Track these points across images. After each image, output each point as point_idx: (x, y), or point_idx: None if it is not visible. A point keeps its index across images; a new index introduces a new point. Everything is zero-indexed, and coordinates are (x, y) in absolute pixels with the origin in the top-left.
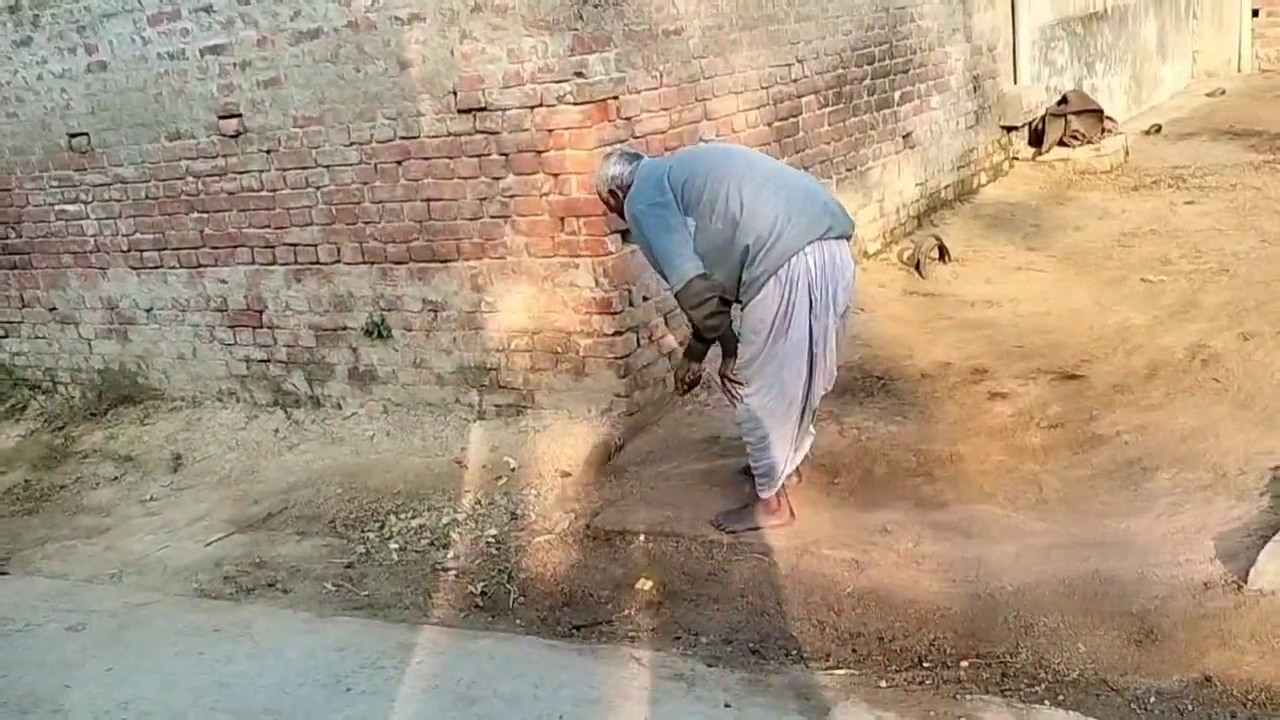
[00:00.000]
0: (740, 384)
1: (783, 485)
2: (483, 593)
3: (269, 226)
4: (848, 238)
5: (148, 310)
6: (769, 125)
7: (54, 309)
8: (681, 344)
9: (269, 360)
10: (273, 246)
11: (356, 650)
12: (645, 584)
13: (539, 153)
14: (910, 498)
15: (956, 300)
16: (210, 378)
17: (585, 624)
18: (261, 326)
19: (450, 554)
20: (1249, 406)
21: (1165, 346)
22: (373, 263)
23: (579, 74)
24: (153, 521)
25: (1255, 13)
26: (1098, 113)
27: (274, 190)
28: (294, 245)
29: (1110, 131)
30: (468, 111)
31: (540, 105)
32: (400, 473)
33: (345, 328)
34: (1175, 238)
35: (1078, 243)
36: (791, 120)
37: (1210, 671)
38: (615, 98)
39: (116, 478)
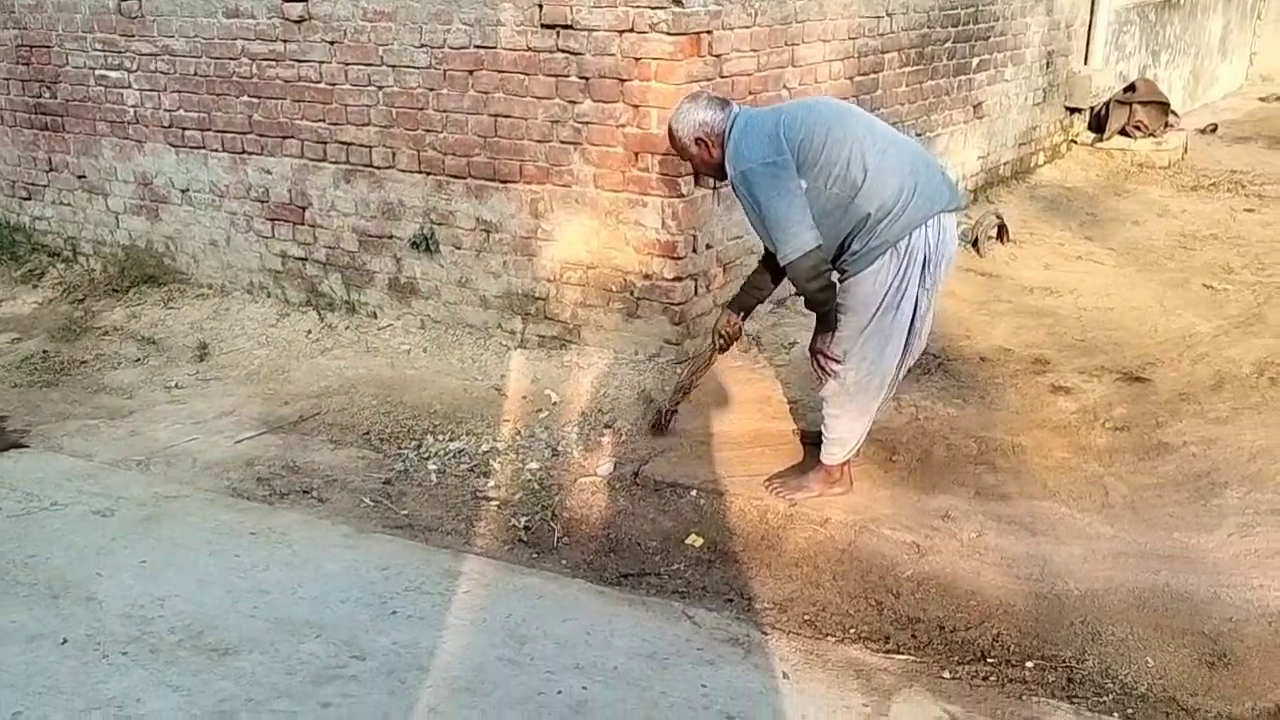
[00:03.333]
0: (836, 360)
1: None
2: (526, 527)
3: (323, 121)
4: (958, 210)
5: (183, 191)
6: (850, 79)
7: (83, 177)
8: (722, 322)
9: (306, 259)
10: (325, 143)
11: (399, 572)
12: (696, 540)
13: (622, 81)
14: (971, 485)
15: (1015, 284)
16: (242, 269)
17: (633, 573)
18: (303, 224)
19: (491, 483)
20: None
21: (1231, 358)
22: (429, 173)
23: (676, 2)
24: (179, 410)
25: None
26: (1163, 105)
27: (333, 84)
28: (347, 144)
29: (1172, 126)
30: (551, 27)
31: (631, 30)
32: (437, 391)
33: (391, 236)
34: (1237, 245)
35: (1137, 239)
36: (872, 76)
37: None
38: (709, 32)
39: (139, 359)
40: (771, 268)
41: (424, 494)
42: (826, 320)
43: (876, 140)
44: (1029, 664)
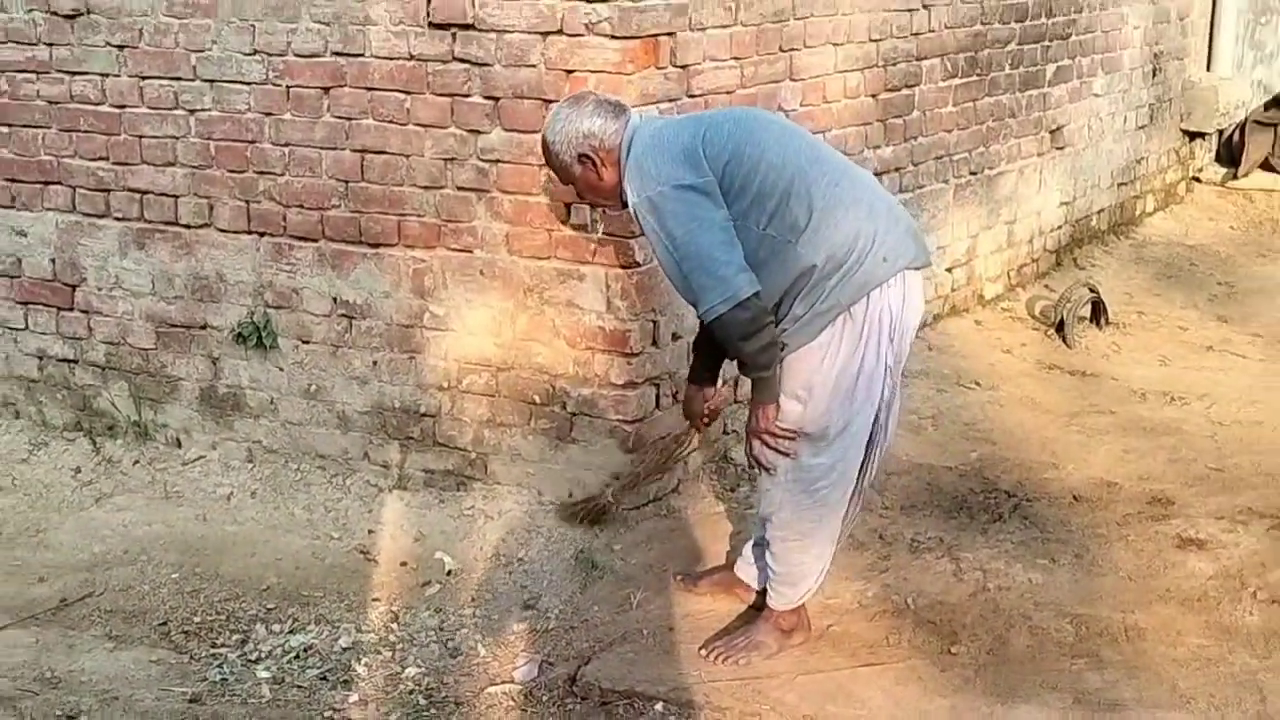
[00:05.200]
0: (789, 437)
1: None
2: None
3: (105, 159)
4: (926, 266)
5: None
6: (874, 96)
7: None
8: (690, 401)
9: (77, 360)
10: (107, 190)
11: None
12: None
13: (547, 102)
14: (1068, 689)
15: (1120, 387)
16: None
17: None
18: (72, 309)
19: (354, 697)
20: None
21: None
22: (263, 234)
23: None
24: None
25: None
26: None
27: (121, 106)
28: (141, 193)
29: None
30: (444, 27)
31: (559, 32)
32: (271, 557)
33: (206, 326)
34: None
35: None
36: (905, 92)
37: None
38: (671, 34)
39: None
40: None
41: (251, 716)
42: (767, 389)
43: (825, 170)
44: None
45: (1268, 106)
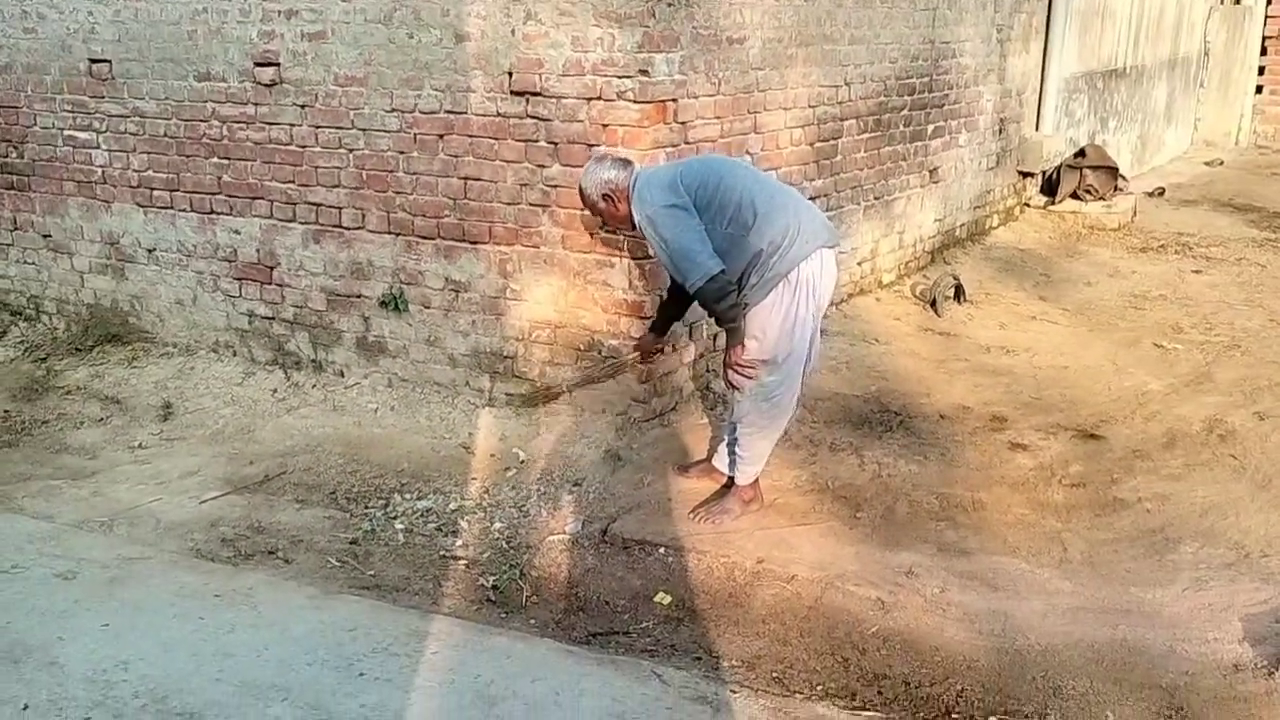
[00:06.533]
0: (751, 367)
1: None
2: (494, 587)
3: (293, 182)
4: (836, 246)
5: (150, 250)
6: (811, 145)
7: (48, 236)
8: (642, 340)
9: (274, 318)
10: (294, 203)
11: (366, 633)
12: (664, 598)
13: (590, 145)
14: (933, 541)
15: (972, 343)
16: (208, 327)
17: (602, 632)
18: (270, 283)
19: (459, 542)
20: (1267, 488)
21: (1182, 416)
22: (398, 234)
23: (644, 71)
24: (142, 470)
25: (1259, 89)
26: (1113, 170)
27: (303, 146)
28: (317, 205)
29: (1122, 190)
30: (521, 94)
31: (599, 98)
32: (404, 450)
33: (360, 295)
34: (1185, 306)
35: (1090, 299)
36: (832, 143)
37: None
38: (675, 100)
39: (102, 419)
40: (676, 294)
41: (391, 554)
42: (735, 335)
43: (763, 188)
44: (992, 719)
45: (1075, 155)
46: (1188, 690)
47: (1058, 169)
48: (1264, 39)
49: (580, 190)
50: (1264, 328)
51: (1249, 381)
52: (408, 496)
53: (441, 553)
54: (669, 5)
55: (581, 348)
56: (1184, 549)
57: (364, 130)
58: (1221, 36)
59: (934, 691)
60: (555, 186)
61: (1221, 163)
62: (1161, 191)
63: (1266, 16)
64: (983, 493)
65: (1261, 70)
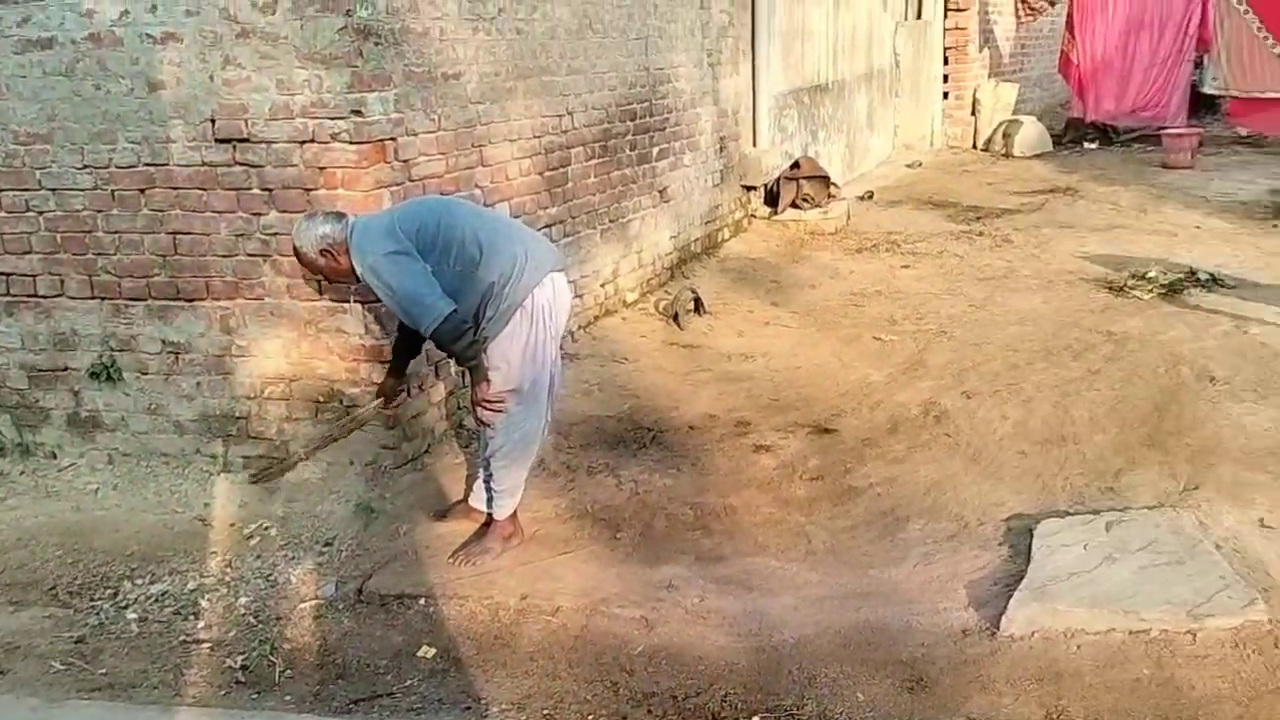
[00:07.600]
0: (499, 401)
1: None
2: (243, 667)
3: None
4: (563, 269)
5: None
6: (540, 174)
7: None
8: (383, 385)
9: None
10: None
11: None
12: (428, 651)
13: (308, 190)
14: (691, 552)
15: (714, 353)
16: None
17: (364, 697)
18: None
19: (200, 624)
20: (978, 461)
21: (902, 403)
22: (104, 298)
23: (356, 112)
24: None
25: (945, 95)
26: (825, 178)
27: None
28: (7, 274)
29: (835, 197)
30: (227, 141)
31: (312, 141)
32: (132, 531)
33: (66, 368)
34: (897, 299)
35: (815, 300)
36: (561, 170)
37: (974, 715)
38: (393, 139)
39: None
40: (409, 333)
41: (124, 647)
42: (478, 371)
43: (485, 222)
44: (755, 718)
45: (791, 167)
46: (925, 661)
47: (777, 181)
48: (945, 49)
49: (296, 251)
50: (965, 313)
51: (955, 364)
52: (139, 582)
53: (182, 638)
54: (376, 45)
55: (321, 399)
56: (912, 527)
57: (53, 190)
58: (909, 50)
59: (700, 701)
60: (275, 234)
61: (920, 164)
62: (871, 195)
63: (945, 29)
64: (733, 497)
65: (946, 78)
